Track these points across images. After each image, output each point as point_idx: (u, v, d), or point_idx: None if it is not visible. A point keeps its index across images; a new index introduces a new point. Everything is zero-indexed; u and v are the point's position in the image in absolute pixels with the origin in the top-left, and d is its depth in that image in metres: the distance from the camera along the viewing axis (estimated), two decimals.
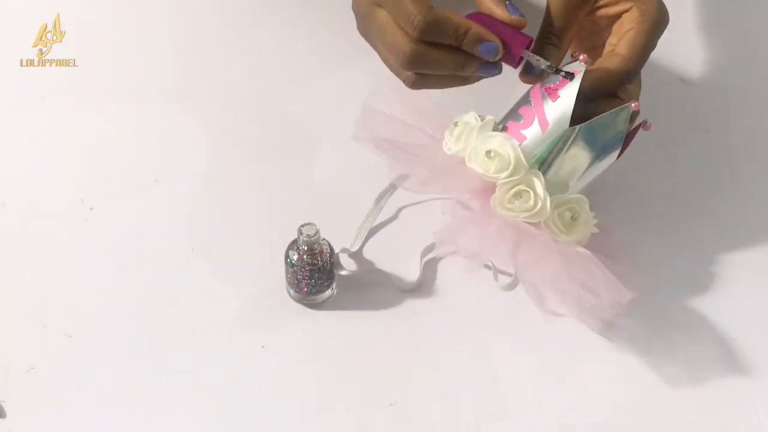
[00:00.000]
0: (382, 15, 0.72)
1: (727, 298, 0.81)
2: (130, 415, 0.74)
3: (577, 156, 0.73)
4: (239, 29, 0.99)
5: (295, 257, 0.77)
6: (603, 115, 0.72)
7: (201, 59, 0.97)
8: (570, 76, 0.72)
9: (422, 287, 0.81)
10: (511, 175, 0.72)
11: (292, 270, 0.77)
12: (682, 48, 1.00)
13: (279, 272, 0.79)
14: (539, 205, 0.73)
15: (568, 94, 0.72)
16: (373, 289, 0.81)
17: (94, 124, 0.92)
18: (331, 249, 0.78)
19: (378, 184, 0.84)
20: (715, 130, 0.94)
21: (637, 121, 0.76)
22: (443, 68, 0.73)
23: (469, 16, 0.73)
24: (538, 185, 0.73)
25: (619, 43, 0.76)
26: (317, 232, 0.75)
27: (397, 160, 0.77)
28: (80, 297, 0.80)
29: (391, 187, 0.83)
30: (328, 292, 0.80)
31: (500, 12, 0.72)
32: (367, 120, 0.80)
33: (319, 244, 0.76)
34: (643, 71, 0.86)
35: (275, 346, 0.78)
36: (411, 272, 0.81)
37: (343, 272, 0.81)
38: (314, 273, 0.77)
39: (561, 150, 0.73)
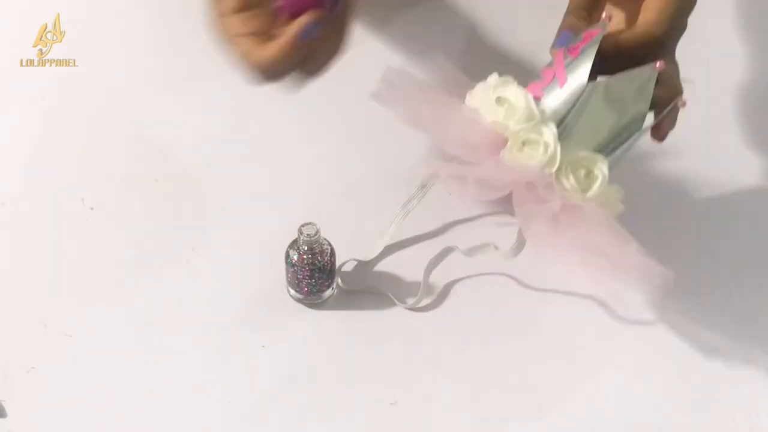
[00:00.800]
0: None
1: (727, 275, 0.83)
2: (130, 415, 0.74)
3: (597, 114, 0.70)
4: None
5: (296, 257, 0.77)
6: (624, 72, 0.70)
7: (201, 59, 0.97)
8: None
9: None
10: (519, 122, 0.70)
11: (292, 270, 0.77)
12: (683, 48, 0.99)
13: (279, 272, 0.79)
14: (549, 152, 0.69)
15: (589, 51, 0.70)
16: (374, 288, 0.81)
17: (94, 124, 0.92)
18: (332, 249, 0.78)
19: (383, 183, 0.84)
20: (716, 130, 0.94)
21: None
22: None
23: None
24: (549, 134, 0.69)
25: (644, 13, 0.73)
26: (318, 231, 0.75)
27: (414, 120, 0.74)
28: (80, 297, 0.80)
29: (419, 192, 0.80)
30: (329, 292, 0.80)
31: None
32: (389, 78, 0.75)
33: (320, 243, 0.76)
34: None
35: (275, 346, 0.78)
36: (416, 289, 0.81)
37: (350, 288, 0.80)
38: (314, 273, 0.77)
39: (578, 105, 0.70)
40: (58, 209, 0.85)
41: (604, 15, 0.72)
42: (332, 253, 0.78)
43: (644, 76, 0.70)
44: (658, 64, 0.70)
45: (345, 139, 0.81)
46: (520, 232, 0.75)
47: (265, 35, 0.70)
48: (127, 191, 0.87)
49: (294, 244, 0.77)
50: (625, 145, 0.72)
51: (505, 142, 0.71)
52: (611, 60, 0.72)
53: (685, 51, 0.95)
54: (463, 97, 0.75)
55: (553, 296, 0.81)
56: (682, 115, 0.93)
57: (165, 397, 0.75)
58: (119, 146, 0.90)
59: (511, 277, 0.82)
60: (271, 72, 0.70)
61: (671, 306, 0.80)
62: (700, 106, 0.95)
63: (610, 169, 0.71)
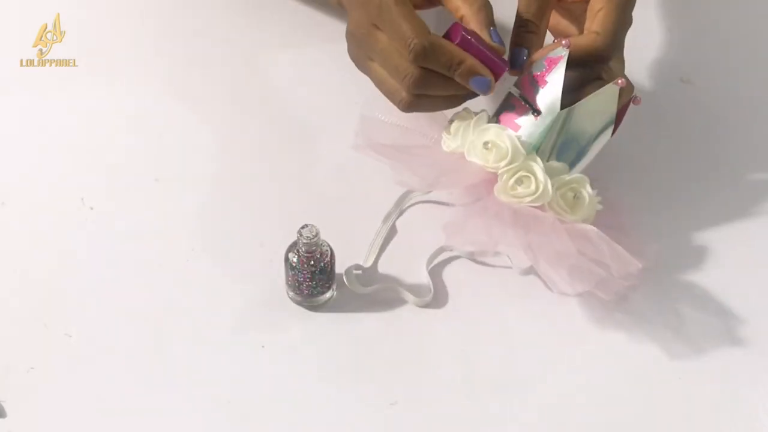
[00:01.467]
0: (384, 38, 0.74)
1: (729, 274, 0.83)
2: (129, 415, 0.74)
3: (571, 135, 0.76)
4: (240, 29, 0.99)
5: (295, 259, 0.76)
6: (591, 95, 0.75)
7: (202, 59, 0.97)
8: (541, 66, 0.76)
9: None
10: (510, 163, 0.74)
11: (292, 272, 0.77)
12: (682, 48, 1.00)
13: (279, 272, 0.79)
14: (541, 188, 0.74)
15: (555, 79, 0.75)
16: (373, 290, 0.81)
17: (94, 124, 0.92)
18: (332, 250, 0.78)
19: (381, 184, 0.84)
20: (716, 129, 0.94)
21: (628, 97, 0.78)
22: (442, 92, 0.75)
23: (453, 29, 0.74)
24: (538, 169, 0.74)
25: (592, 24, 0.77)
26: (317, 233, 0.75)
27: (398, 163, 0.79)
28: (80, 297, 0.80)
29: (398, 205, 0.85)
30: (329, 294, 0.80)
31: (485, 36, 0.75)
32: (365, 129, 0.81)
33: (319, 245, 0.76)
34: (643, 71, 0.87)
35: (275, 346, 0.78)
36: (423, 287, 0.81)
37: (360, 291, 0.80)
38: (314, 275, 0.77)
39: (556, 134, 0.75)
40: (58, 209, 0.85)
41: (564, 42, 0.75)
42: (332, 255, 0.78)
43: (609, 94, 0.75)
44: (620, 81, 0.75)
45: (348, 139, 0.81)
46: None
47: None
48: (127, 191, 0.87)
49: (293, 246, 0.77)
50: (593, 152, 0.78)
51: (494, 179, 0.75)
52: (570, 79, 0.76)
53: (684, 50, 0.95)
54: (439, 133, 0.80)
55: (550, 298, 0.81)
56: (683, 115, 0.94)
57: (165, 397, 0.75)
58: (119, 146, 0.90)
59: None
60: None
61: (678, 277, 0.82)
62: (701, 106, 0.95)
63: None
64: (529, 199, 0.74)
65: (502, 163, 0.74)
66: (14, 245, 0.83)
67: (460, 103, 0.77)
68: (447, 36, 0.75)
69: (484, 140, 0.75)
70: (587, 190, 0.76)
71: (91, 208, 0.85)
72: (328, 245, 0.78)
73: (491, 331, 0.79)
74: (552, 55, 0.75)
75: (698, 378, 0.77)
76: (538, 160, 0.75)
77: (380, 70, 0.76)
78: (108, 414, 0.74)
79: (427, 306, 0.80)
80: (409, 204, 0.86)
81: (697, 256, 0.84)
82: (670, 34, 1.00)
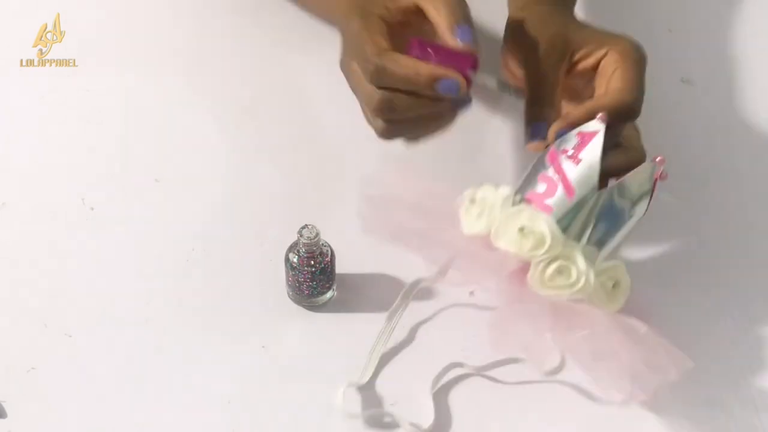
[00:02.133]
0: (355, 66, 0.72)
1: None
2: (130, 415, 0.74)
3: (608, 217, 0.69)
4: (240, 30, 0.99)
5: (295, 260, 0.76)
6: (631, 173, 0.69)
7: (202, 60, 0.97)
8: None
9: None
10: (548, 251, 0.67)
11: (292, 272, 0.77)
12: (683, 48, 1.00)
13: (280, 272, 0.79)
14: (583, 279, 0.68)
15: (591, 155, 0.68)
16: (373, 290, 0.81)
17: (94, 124, 0.92)
18: (332, 251, 0.78)
19: None
20: (716, 130, 0.94)
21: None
22: (414, 111, 0.70)
23: (409, 42, 0.71)
24: (579, 258, 0.68)
25: (609, 84, 0.73)
26: (317, 234, 0.75)
27: (418, 250, 0.73)
28: (80, 297, 0.80)
29: (403, 302, 0.76)
30: (329, 294, 0.80)
31: (447, 38, 0.70)
32: (371, 209, 0.75)
33: (319, 246, 0.76)
34: None
35: (275, 346, 0.78)
36: (425, 413, 0.75)
37: (350, 414, 0.74)
38: (315, 275, 0.77)
39: (589, 215, 0.69)
40: (58, 209, 0.85)
41: (599, 115, 0.69)
42: (332, 256, 0.78)
43: (648, 172, 0.70)
44: (659, 159, 0.70)
45: (348, 140, 0.81)
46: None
47: None
48: (127, 191, 0.87)
49: (294, 246, 0.77)
50: (626, 232, 0.72)
51: (526, 267, 0.69)
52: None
53: (685, 51, 0.95)
54: (449, 209, 0.73)
55: None
56: (683, 116, 0.94)
57: (165, 396, 0.75)
58: (119, 146, 0.90)
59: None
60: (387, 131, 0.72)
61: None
62: (701, 106, 0.95)
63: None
64: (569, 291, 0.68)
65: (540, 251, 0.67)
66: (14, 245, 0.83)
67: (445, 125, 0.72)
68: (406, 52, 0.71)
69: (518, 225, 0.68)
70: (625, 277, 0.71)
71: (92, 209, 0.85)
72: (329, 246, 0.78)
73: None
74: (585, 129, 0.70)
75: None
76: (578, 247, 0.68)
77: (360, 101, 0.73)
78: (108, 414, 0.74)
79: (415, 298, 0.77)
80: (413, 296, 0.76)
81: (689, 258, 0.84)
82: (670, 35, 1.00)
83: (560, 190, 0.68)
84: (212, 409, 0.75)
